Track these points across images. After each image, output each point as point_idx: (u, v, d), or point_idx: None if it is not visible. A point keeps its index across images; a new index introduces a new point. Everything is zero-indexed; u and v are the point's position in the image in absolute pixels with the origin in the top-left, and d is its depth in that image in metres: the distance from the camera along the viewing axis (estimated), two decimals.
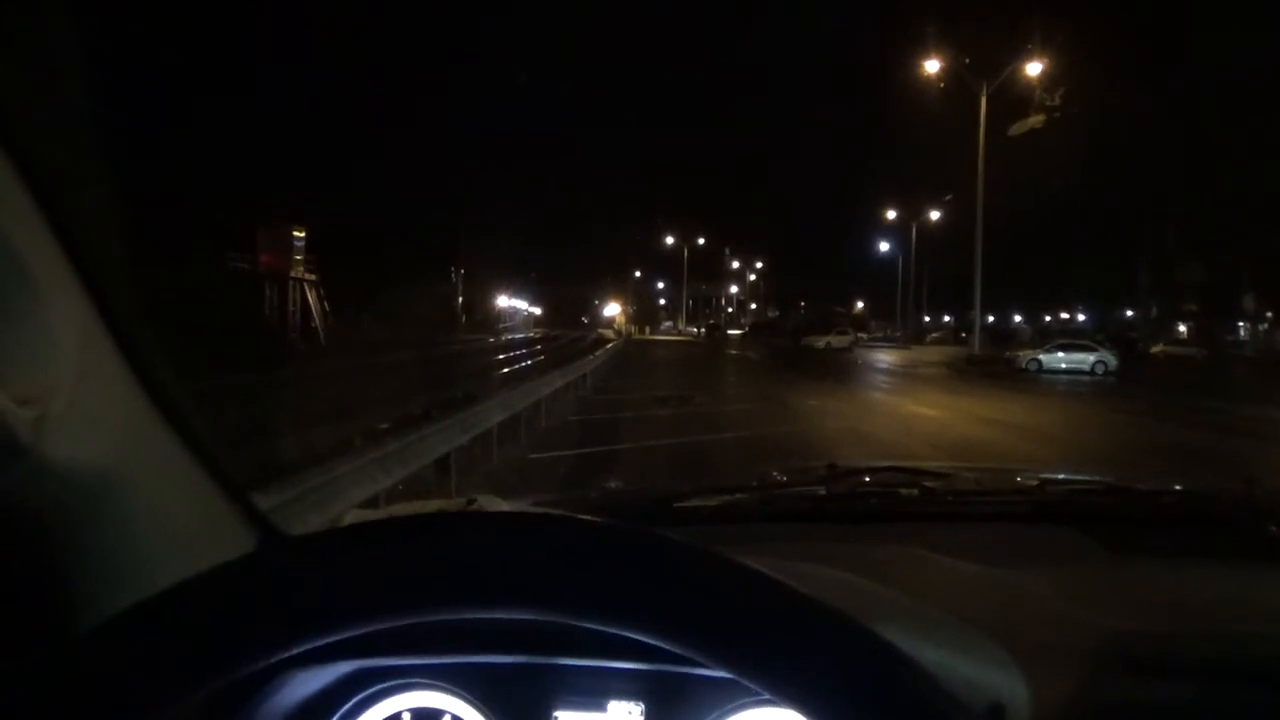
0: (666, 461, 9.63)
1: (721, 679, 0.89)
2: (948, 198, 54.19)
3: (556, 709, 0.96)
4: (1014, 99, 31.49)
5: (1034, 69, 30.67)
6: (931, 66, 32.67)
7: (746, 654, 0.53)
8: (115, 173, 0.89)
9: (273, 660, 0.55)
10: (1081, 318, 73.03)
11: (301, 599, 0.56)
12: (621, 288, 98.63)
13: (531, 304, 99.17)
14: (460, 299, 64.99)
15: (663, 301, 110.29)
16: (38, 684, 0.53)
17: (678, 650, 0.53)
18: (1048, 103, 30.24)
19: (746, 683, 0.53)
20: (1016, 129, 31.49)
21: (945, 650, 0.82)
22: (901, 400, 18.75)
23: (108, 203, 0.87)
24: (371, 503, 5.03)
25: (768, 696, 0.53)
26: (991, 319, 64.11)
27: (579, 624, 0.55)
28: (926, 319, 77.74)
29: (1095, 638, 0.92)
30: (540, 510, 0.84)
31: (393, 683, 0.98)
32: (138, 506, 0.81)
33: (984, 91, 31.74)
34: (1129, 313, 65.47)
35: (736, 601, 0.54)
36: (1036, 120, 30.76)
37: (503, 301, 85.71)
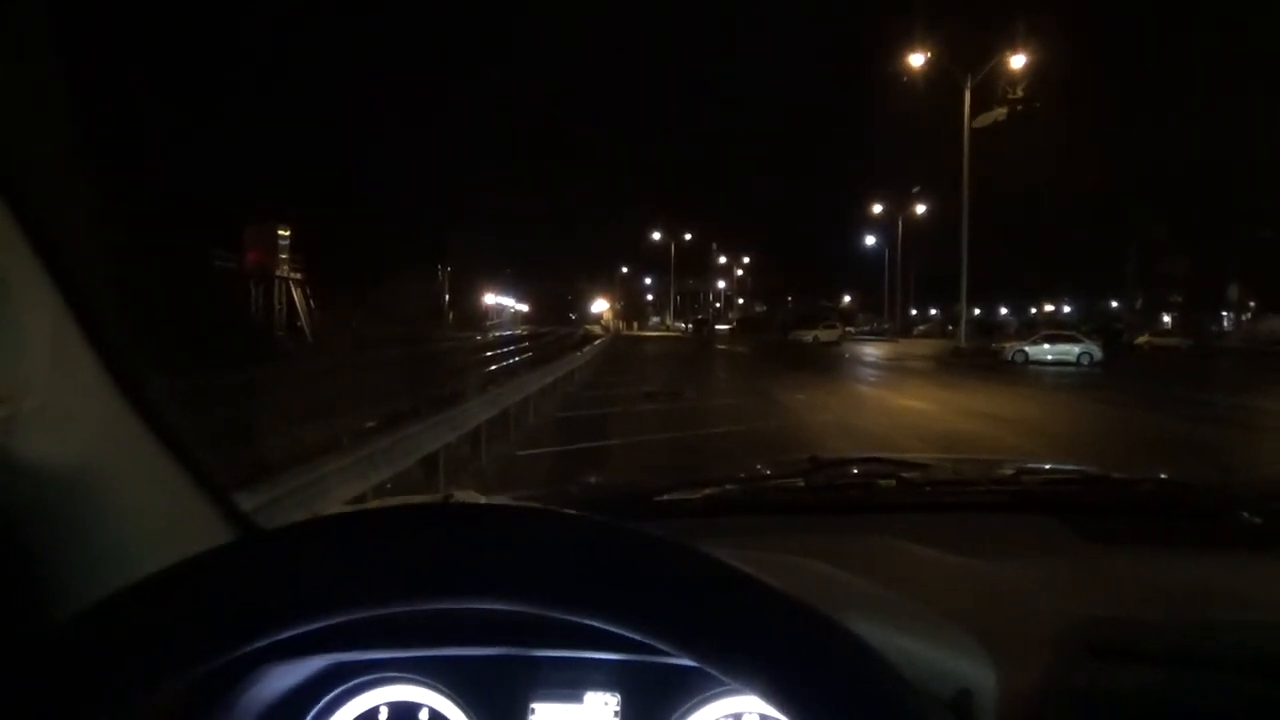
0: (656, 457, 9.61)
1: (694, 668, 0.90)
2: (915, 190, 54.69)
3: (533, 700, 0.97)
4: (999, 92, 31.71)
5: (1017, 62, 30.90)
6: (916, 60, 32.83)
7: (708, 643, 0.54)
8: (91, 171, 0.89)
9: (244, 650, 0.56)
10: (1067, 309, 73.31)
11: (271, 590, 0.56)
12: (609, 284, 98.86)
13: (519, 301, 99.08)
14: (447, 297, 64.81)
15: (650, 297, 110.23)
16: (9, 673, 0.53)
17: (642, 639, 0.54)
18: (1010, 95, 30.46)
19: (709, 670, 0.54)
20: (980, 121, 31.72)
21: (915, 639, 0.83)
22: (889, 393, 18.77)
23: (81, 202, 0.87)
24: (359, 501, 5.01)
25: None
26: (978, 311, 64.33)
27: (547, 614, 0.55)
28: (914, 312, 77.99)
29: (1065, 625, 0.93)
30: (514, 504, 0.85)
31: (369, 677, 0.98)
32: (114, 505, 0.81)
33: (968, 84, 31.87)
34: (1114, 304, 65.89)
35: (699, 592, 0.55)
36: (999, 112, 31.03)
37: (490, 299, 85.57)
